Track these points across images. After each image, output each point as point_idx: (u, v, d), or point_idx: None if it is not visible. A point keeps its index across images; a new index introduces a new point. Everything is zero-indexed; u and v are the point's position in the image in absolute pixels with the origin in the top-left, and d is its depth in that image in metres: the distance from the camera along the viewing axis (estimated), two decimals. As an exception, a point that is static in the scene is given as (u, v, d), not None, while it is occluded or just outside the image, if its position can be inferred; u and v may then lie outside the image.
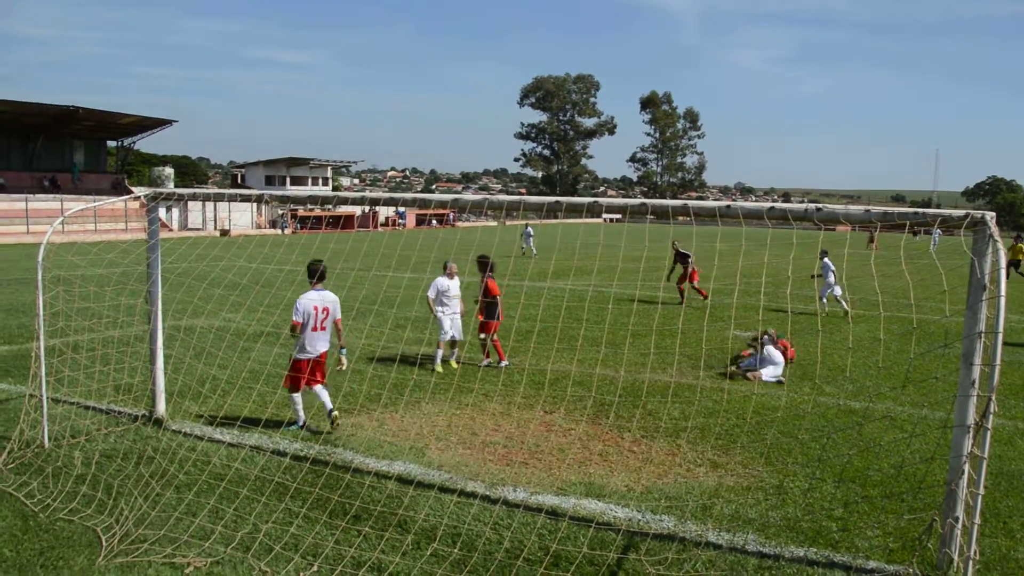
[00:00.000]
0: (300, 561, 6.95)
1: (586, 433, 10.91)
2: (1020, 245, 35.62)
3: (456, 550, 7.23)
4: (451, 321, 14.56)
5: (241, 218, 67.72)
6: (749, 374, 14.51)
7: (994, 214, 6.75)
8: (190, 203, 64.15)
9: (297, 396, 10.62)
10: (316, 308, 10.52)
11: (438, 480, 8.96)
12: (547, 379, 13.72)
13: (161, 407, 10.82)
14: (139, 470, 8.84)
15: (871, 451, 10.52)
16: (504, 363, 14.80)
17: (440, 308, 14.52)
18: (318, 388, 10.75)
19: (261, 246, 34.18)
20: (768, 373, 14.50)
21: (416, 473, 9.17)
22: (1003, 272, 6.27)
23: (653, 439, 10.71)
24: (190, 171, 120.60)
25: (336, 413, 10.71)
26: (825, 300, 23.52)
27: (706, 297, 24.23)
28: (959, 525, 6.44)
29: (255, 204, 65.01)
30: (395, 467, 9.34)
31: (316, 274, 10.80)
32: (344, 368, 11.09)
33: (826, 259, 23.22)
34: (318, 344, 10.61)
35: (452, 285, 14.63)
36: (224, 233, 59.57)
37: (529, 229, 44.76)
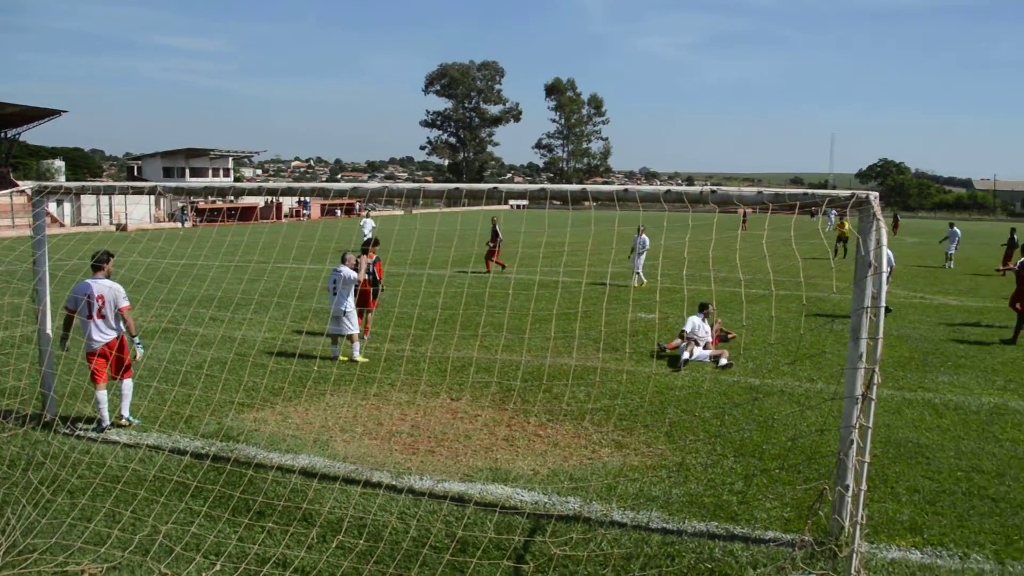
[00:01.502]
0: (202, 561, 6.81)
1: (492, 419, 10.97)
2: (846, 223, 36.68)
3: (362, 541, 7.19)
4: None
5: (138, 212, 65.64)
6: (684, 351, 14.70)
7: (877, 194, 7.02)
8: (83, 197, 61.94)
9: (98, 394, 10.14)
10: (88, 296, 10.00)
11: (343, 472, 8.89)
12: (450, 366, 13.74)
13: (51, 410, 10.43)
14: (27, 476, 8.47)
15: (768, 425, 10.87)
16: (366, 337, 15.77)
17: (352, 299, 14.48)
18: (124, 384, 10.35)
19: (156, 240, 33.24)
20: (699, 351, 14.79)
21: (320, 466, 9.08)
22: (884, 248, 6.52)
23: (558, 422, 10.83)
24: (82, 164, 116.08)
25: (125, 422, 10.33)
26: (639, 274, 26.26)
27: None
28: (849, 493, 6.70)
29: (151, 197, 63.24)
30: (299, 460, 9.23)
31: (96, 263, 10.29)
32: (137, 359, 10.49)
33: (644, 236, 26.34)
34: (95, 334, 10.06)
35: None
36: (120, 228, 57.68)
37: (368, 220, 42.29)
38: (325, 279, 14.84)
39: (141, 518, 7.59)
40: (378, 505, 8.00)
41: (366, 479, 8.67)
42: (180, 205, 67.82)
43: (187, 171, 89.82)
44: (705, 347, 14.94)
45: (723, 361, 14.46)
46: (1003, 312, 21.87)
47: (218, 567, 6.70)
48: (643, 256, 26.53)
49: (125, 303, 10.15)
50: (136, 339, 10.34)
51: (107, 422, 10.18)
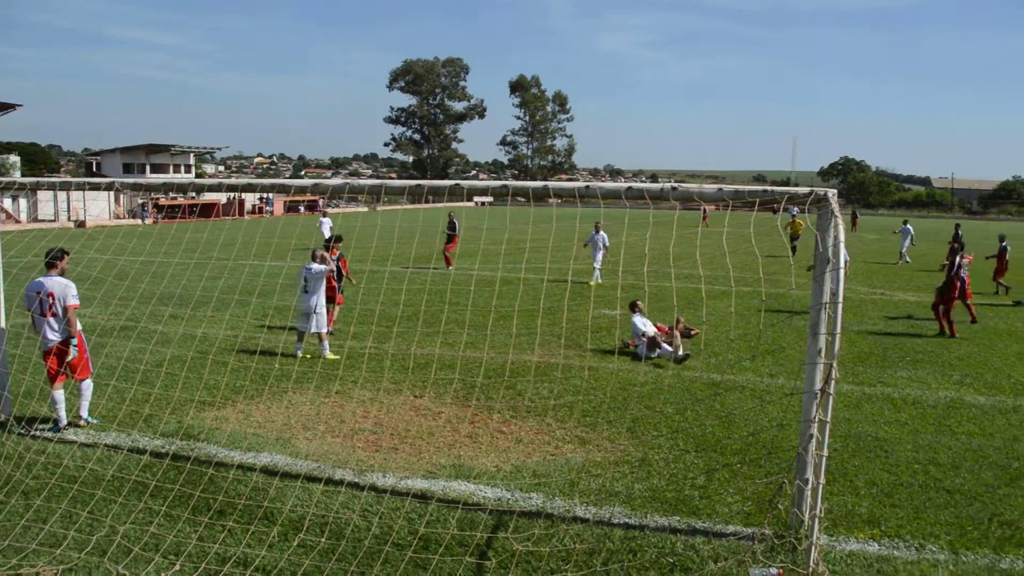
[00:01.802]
0: (161, 561, 6.73)
1: (455, 415, 10.95)
2: (799, 221, 36.21)
3: (324, 539, 7.15)
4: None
5: (97, 208, 64.62)
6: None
7: (835, 191, 7.10)
8: (40, 193, 60.80)
9: (54, 393, 9.97)
10: (39, 294, 9.82)
11: (305, 470, 8.83)
12: (413, 363, 13.69)
13: (5, 410, 10.25)
14: (-18, 477, 8.34)
15: (730, 420, 10.97)
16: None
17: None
18: (83, 384, 10.17)
19: (114, 236, 32.76)
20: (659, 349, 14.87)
21: (282, 464, 9.01)
22: (842, 246, 6.60)
23: (522, 419, 10.84)
24: (39, 159, 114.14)
25: (83, 423, 10.15)
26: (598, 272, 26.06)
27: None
28: (808, 486, 6.78)
29: (111, 193, 62.28)
30: (261, 459, 9.15)
31: (50, 261, 10.10)
32: (69, 358, 10.12)
33: (601, 233, 26.22)
34: (48, 333, 9.88)
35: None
36: (79, 224, 56.77)
37: (325, 220, 41.39)
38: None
39: (98, 518, 7.48)
40: (340, 503, 7.95)
41: (328, 477, 8.62)
42: (140, 202, 66.88)
43: (148, 167, 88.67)
44: (662, 342, 15.03)
45: (680, 352, 14.58)
46: (960, 308, 22.27)
47: (178, 567, 6.63)
48: (602, 254, 26.43)
49: (73, 302, 9.93)
50: (74, 340, 10.04)
51: (64, 422, 10.01)
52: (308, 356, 14.27)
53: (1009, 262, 26.64)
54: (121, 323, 16.45)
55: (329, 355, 14.29)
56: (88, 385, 10.23)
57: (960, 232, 32.08)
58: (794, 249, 34.94)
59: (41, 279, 9.95)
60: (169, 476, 8.50)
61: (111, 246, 30.47)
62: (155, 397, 11.27)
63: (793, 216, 36.06)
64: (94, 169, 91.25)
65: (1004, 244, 26.50)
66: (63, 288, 9.91)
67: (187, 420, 10.45)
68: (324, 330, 14.41)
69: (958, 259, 18.51)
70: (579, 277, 26.36)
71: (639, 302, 15.78)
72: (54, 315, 9.86)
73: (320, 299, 14.28)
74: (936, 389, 13.00)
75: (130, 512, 7.62)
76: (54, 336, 9.90)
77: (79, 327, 10.07)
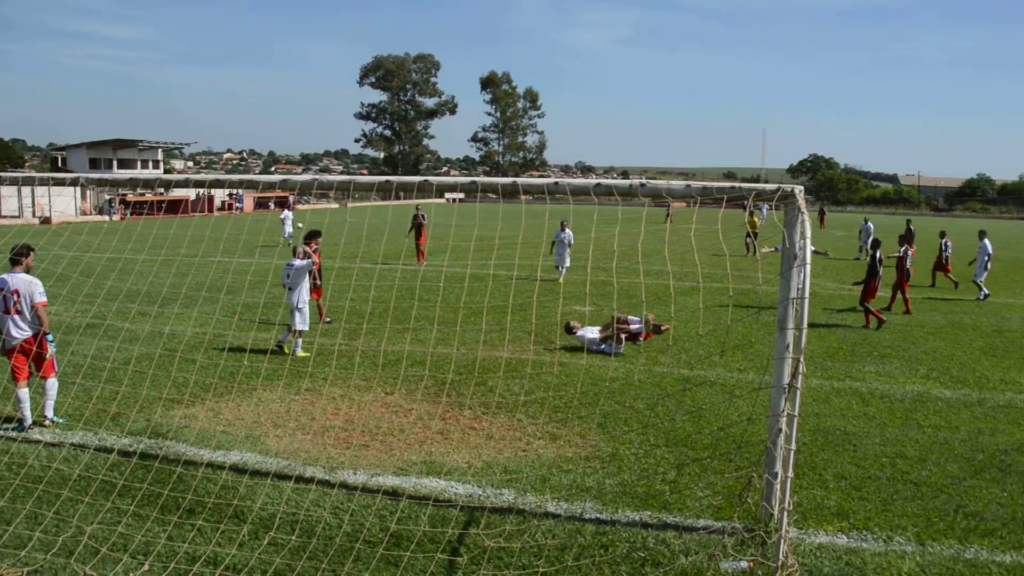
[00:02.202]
0: (130, 561, 6.65)
1: (426, 412, 10.93)
2: (755, 219, 35.96)
3: (295, 537, 7.11)
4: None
5: (63, 204, 63.74)
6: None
7: (802, 188, 7.15)
8: (3, 188, 59.96)
9: (19, 392, 9.82)
10: (4, 291, 9.70)
11: (275, 468, 8.77)
12: (381, 360, 13.65)
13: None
14: (-56, 477, 8.20)
15: (699, 415, 11.03)
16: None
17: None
18: (48, 383, 10.02)
19: (79, 232, 32.36)
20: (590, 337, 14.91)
21: (252, 462, 8.94)
22: (808, 242, 6.65)
23: (492, 415, 10.84)
24: (2, 153, 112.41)
25: (49, 423, 10.02)
26: (564, 269, 25.62)
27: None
28: (777, 480, 6.83)
29: (77, 189, 61.51)
30: (230, 457, 9.07)
31: (14, 257, 9.99)
32: (47, 356, 10.07)
33: (567, 231, 25.55)
34: (13, 330, 9.76)
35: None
36: (44, 220, 55.99)
37: (288, 213, 40.06)
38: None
39: (65, 519, 7.38)
40: (311, 500, 7.91)
41: (298, 474, 8.57)
42: (108, 198, 66.06)
43: (115, 163, 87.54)
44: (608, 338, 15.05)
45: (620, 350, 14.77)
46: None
47: (146, 567, 6.56)
48: (568, 251, 25.78)
49: (41, 299, 9.82)
50: (49, 336, 10.01)
51: (29, 421, 9.87)
52: (288, 352, 14.25)
53: (950, 257, 27.15)
54: (87, 320, 16.25)
55: (299, 352, 14.23)
56: (53, 384, 10.09)
57: (912, 228, 32.76)
58: (749, 247, 34.44)
59: (5, 276, 9.82)
60: (137, 475, 8.41)
61: (76, 242, 30.08)
62: (122, 395, 11.14)
63: (751, 213, 35.89)
64: (59, 164, 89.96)
65: (944, 240, 27.24)
66: (28, 285, 9.78)
67: (155, 418, 10.34)
68: (302, 328, 14.31)
69: (879, 253, 19.11)
70: (549, 274, 26.35)
71: (571, 322, 15.55)
72: (19, 312, 9.73)
73: (303, 295, 14.21)
74: (903, 383, 13.16)
75: (97, 512, 7.53)
76: (19, 334, 9.77)
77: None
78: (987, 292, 24.14)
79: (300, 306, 14.13)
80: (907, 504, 8.19)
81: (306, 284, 14.38)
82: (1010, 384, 13.29)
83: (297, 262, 14.31)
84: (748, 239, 34.36)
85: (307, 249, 14.74)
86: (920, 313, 20.64)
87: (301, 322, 14.23)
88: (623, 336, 14.87)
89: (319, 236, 16.12)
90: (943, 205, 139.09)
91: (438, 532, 7.25)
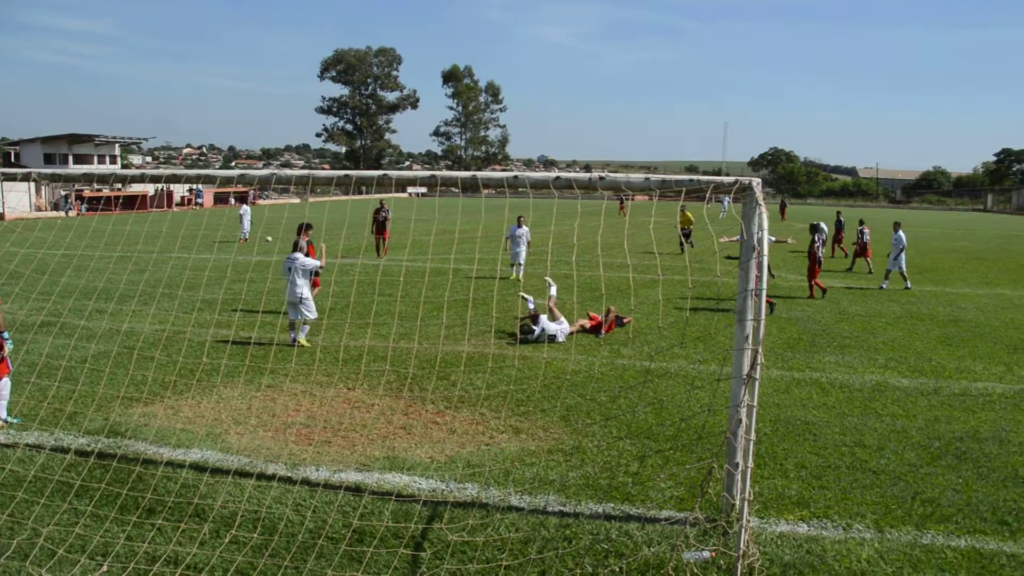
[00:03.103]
0: (87, 563, 6.55)
1: (388, 407, 10.88)
2: (688, 214, 34.27)
3: (256, 535, 7.04)
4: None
5: (16, 199, 62.51)
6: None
7: (760, 180, 7.20)
8: (-45, 186, 58.67)
9: None
10: None
11: (236, 465, 8.67)
12: (342, 355, 13.57)
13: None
14: None
15: (661, 407, 11.09)
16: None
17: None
18: (6, 384, 9.85)
19: (32, 229, 31.76)
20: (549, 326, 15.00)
21: (213, 459, 8.84)
22: (766, 233, 6.70)
23: (455, 409, 10.82)
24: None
25: (2, 423, 9.83)
26: (521, 267, 24.56)
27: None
28: (738, 470, 6.89)
29: (31, 184, 60.34)
30: (190, 455, 8.96)
31: None
32: (3, 355, 9.90)
33: (524, 227, 24.62)
34: None
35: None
36: (-3, 217, 54.90)
37: (246, 208, 39.17)
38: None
39: (20, 521, 7.24)
40: (272, 497, 7.84)
41: (260, 471, 8.49)
42: (63, 193, 64.91)
43: (70, 158, 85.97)
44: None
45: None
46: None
47: (105, 568, 6.46)
48: (524, 248, 24.62)
49: None
50: (5, 334, 9.85)
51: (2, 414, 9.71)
52: (306, 344, 14.42)
53: (868, 244, 29.36)
54: (41, 318, 15.95)
55: (303, 341, 14.53)
56: (6, 384, 9.89)
57: (841, 219, 35.40)
58: (684, 243, 32.91)
59: None
60: (95, 475, 8.28)
61: (30, 239, 29.55)
62: (79, 394, 10.96)
63: (682, 209, 33.39)
64: (12, 159, 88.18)
65: (862, 228, 29.76)
66: None
67: (113, 417, 10.19)
68: (311, 317, 14.61)
69: (817, 237, 21.86)
70: (508, 263, 26.12)
71: (523, 324, 15.56)
72: None
73: (305, 288, 14.47)
74: (862, 373, 13.33)
75: (54, 513, 7.40)
76: None
77: None
78: (908, 284, 24.38)
79: (303, 296, 14.40)
80: (866, 492, 8.30)
81: (308, 277, 14.69)
82: (965, 373, 13.52)
83: (300, 257, 14.57)
84: (681, 236, 33.10)
85: (313, 244, 15.12)
86: (878, 304, 20.93)
87: (309, 312, 14.52)
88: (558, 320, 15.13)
89: (311, 228, 16.63)
90: (900, 197, 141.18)
91: (401, 527, 7.22)
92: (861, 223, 30.52)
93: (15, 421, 9.96)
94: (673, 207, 41.14)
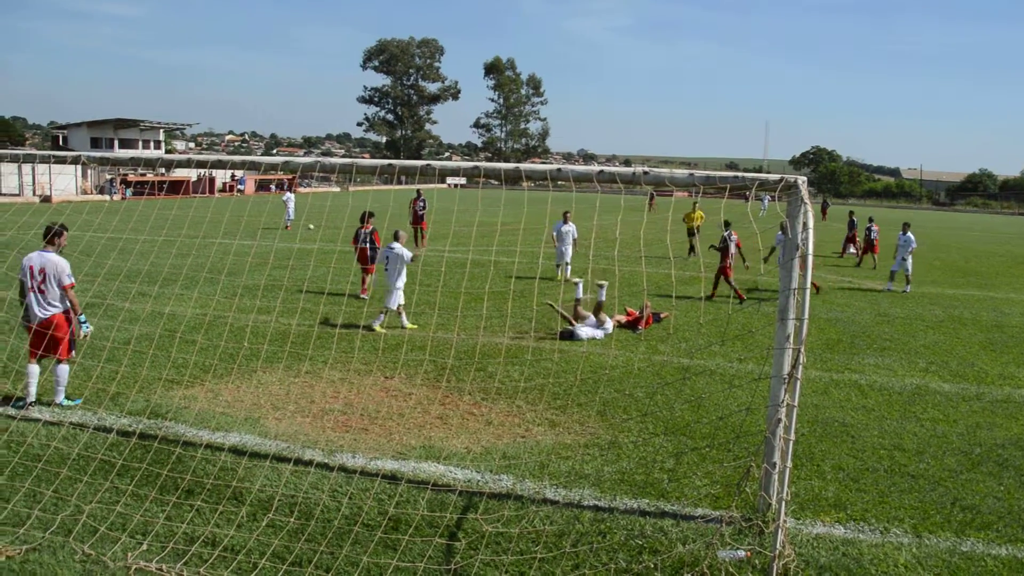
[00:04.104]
0: (128, 541, 6.66)
1: (425, 397, 10.93)
2: (699, 212, 31.16)
3: (293, 519, 7.12)
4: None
5: (64, 183, 63.58)
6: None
7: (805, 179, 7.13)
8: (4, 166, 59.84)
9: (29, 367, 9.90)
10: (32, 268, 9.76)
11: (274, 450, 8.77)
12: (383, 343, 13.65)
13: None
14: (-57, 454, 8.19)
15: (698, 404, 11.04)
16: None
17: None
18: (59, 369, 10.01)
19: (80, 212, 32.20)
20: (586, 332, 14.86)
21: (251, 444, 8.95)
22: (811, 233, 6.63)
23: (492, 401, 10.85)
24: (3, 131, 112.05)
25: (70, 403, 10.07)
26: (567, 266, 23.05)
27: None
28: (775, 470, 6.84)
29: (77, 168, 61.31)
30: (229, 438, 9.08)
31: (48, 235, 10.05)
32: (82, 338, 10.25)
33: (571, 223, 23.15)
34: (35, 309, 9.79)
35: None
36: (45, 199, 55.89)
37: (289, 195, 39.15)
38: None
39: (64, 497, 7.39)
40: (309, 483, 7.92)
41: (297, 457, 8.58)
42: (109, 177, 65.89)
43: (116, 142, 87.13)
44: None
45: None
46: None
47: (144, 547, 6.57)
48: (571, 247, 23.15)
49: (68, 280, 9.85)
50: (82, 317, 10.06)
51: (32, 397, 9.88)
52: (383, 330, 14.81)
53: (877, 241, 30.47)
54: (87, 300, 16.23)
55: (408, 325, 15.23)
56: (64, 371, 10.03)
57: (854, 219, 34.95)
58: (692, 248, 30.46)
59: (35, 253, 9.89)
60: (136, 455, 8.41)
61: (77, 221, 30.01)
62: (122, 375, 11.13)
63: (695, 204, 30.79)
64: (60, 143, 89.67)
65: (871, 225, 30.78)
66: (56, 266, 9.83)
67: (154, 399, 10.35)
68: (398, 304, 15.07)
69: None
70: (550, 261, 25.80)
71: (565, 328, 15.26)
72: (42, 291, 9.77)
73: (401, 277, 14.98)
74: (902, 376, 13.16)
75: (96, 491, 7.54)
76: (39, 312, 9.78)
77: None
78: (908, 288, 23.50)
79: (398, 286, 14.89)
80: (904, 496, 8.20)
81: (403, 267, 15.11)
82: (1008, 379, 13.30)
83: (397, 247, 15.04)
84: (691, 238, 30.71)
85: (406, 235, 15.68)
86: (919, 307, 20.64)
87: (393, 301, 15.00)
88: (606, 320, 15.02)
89: (373, 216, 18.42)
90: (944, 199, 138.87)
91: (436, 516, 7.26)
92: (870, 220, 31.55)
93: (75, 403, 10.12)
94: (715, 204, 40.85)
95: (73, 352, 10.27)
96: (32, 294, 9.75)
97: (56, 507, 7.22)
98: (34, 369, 9.87)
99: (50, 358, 9.97)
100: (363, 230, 18.26)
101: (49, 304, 9.80)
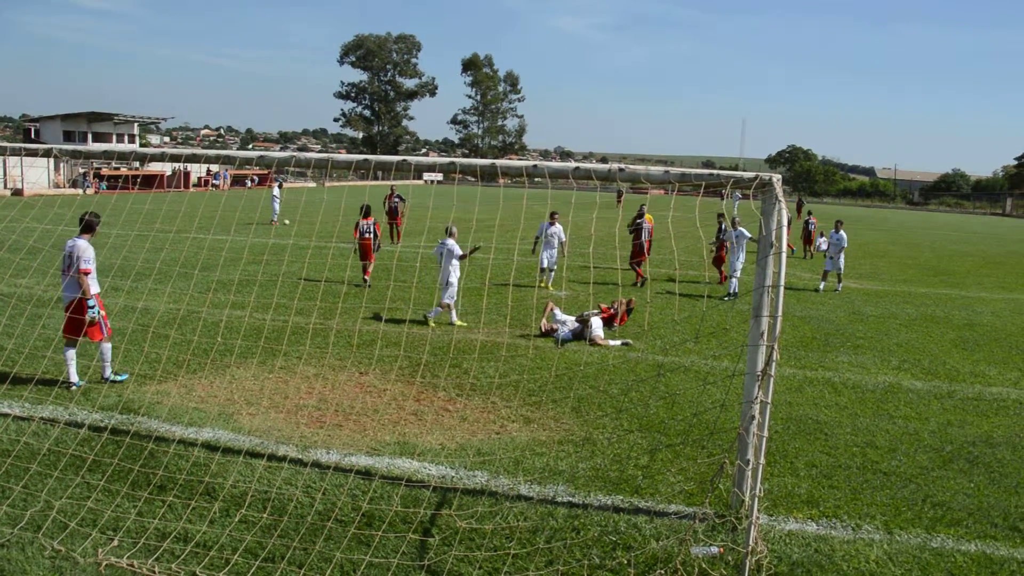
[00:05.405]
0: (99, 537, 6.59)
1: (400, 392, 10.90)
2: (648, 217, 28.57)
3: (266, 515, 7.07)
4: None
5: (36, 176, 62.77)
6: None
7: (780, 177, 7.16)
8: (-25, 160, 59.05)
9: (66, 351, 10.40)
10: (67, 254, 10.36)
11: (247, 445, 8.71)
12: (357, 339, 13.60)
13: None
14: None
15: (673, 401, 11.08)
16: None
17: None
18: (103, 348, 10.55)
19: (51, 205, 31.85)
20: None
21: (224, 439, 8.89)
22: (784, 230, 6.67)
23: (467, 397, 10.83)
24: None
25: (117, 378, 10.62)
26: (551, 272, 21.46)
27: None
28: (748, 467, 6.87)
29: (50, 161, 60.61)
30: (202, 434, 9.01)
31: (87, 223, 10.69)
32: (87, 320, 10.40)
33: (557, 225, 21.56)
34: (66, 290, 10.41)
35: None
36: (16, 193, 55.21)
37: (277, 191, 38.39)
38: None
39: (33, 493, 7.30)
40: (283, 479, 7.87)
41: (271, 452, 8.53)
42: (82, 170, 65.17)
43: (89, 136, 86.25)
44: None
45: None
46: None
47: (116, 542, 6.50)
48: (555, 251, 21.24)
49: (84, 265, 10.21)
50: (90, 302, 10.31)
51: (74, 379, 10.34)
52: (434, 325, 15.03)
53: (813, 233, 32.77)
54: (59, 294, 16.02)
55: (457, 322, 15.43)
56: (107, 348, 10.53)
57: (808, 209, 37.93)
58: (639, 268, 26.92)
59: (74, 239, 10.42)
60: (108, 450, 8.33)
61: (48, 215, 29.67)
62: (93, 369, 11.03)
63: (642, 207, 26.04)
64: (33, 136, 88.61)
65: (809, 219, 33.84)
66: (80, 251, 10.25)
67: (127, 394, 10.25)
68: (450, 301, 15.29)
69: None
70: (525, 257, 25.47)
71: (546, 325, 15.11)
72: (69, 274, 10.25)
73: (454, 273, 15.28)
74: (875, 374, 13.27)
75: (67, 487, 7.46)
76: (69, 294, 10.31)
77: (96, 289, 10.47)
78: (839, 287, 23.37)
79: (451, 280, 15.22)
80: (876, 493, 8.27)
81: (455, 263, 15.35)
82: (979, 377, 13.45)
83: (449, 243, 15.28)
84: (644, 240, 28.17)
85: (454, 229, 15.61)
86: (893, 305, 20.82)
87: (449, 296, 15.26)
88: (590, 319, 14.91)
89: (371, 210, 19.73)
90: (918, 199, 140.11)
91: (410, 513, 7.24)
92: (809, 214, 34.80)
93: (120, 378, 10.67)
94: (690, 202, 40.95)
95: (108, 331, 10.71)
96: (64, 277, 10.32)
97: (25, 503, 7.14)
98: (70, 353, 10.32)
99: (88, 342, 10.58)
100: (366, 221, 19.76)
101: (75, 287, 10.28)
